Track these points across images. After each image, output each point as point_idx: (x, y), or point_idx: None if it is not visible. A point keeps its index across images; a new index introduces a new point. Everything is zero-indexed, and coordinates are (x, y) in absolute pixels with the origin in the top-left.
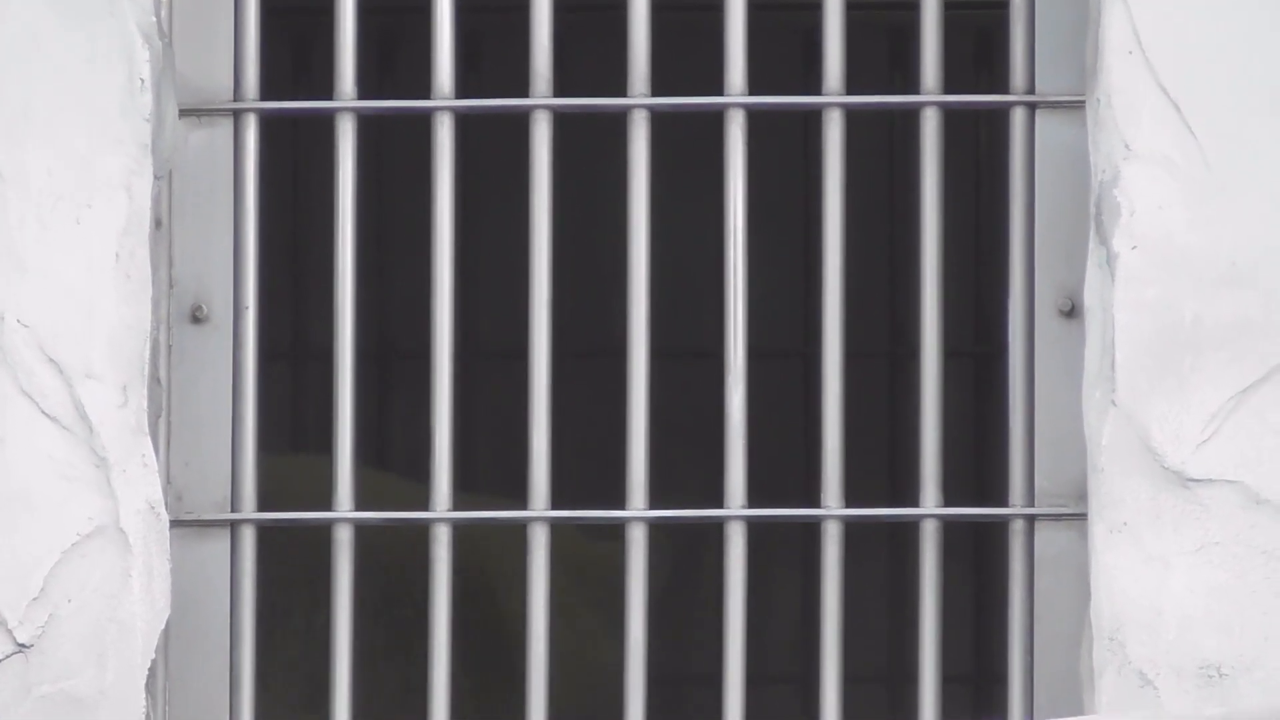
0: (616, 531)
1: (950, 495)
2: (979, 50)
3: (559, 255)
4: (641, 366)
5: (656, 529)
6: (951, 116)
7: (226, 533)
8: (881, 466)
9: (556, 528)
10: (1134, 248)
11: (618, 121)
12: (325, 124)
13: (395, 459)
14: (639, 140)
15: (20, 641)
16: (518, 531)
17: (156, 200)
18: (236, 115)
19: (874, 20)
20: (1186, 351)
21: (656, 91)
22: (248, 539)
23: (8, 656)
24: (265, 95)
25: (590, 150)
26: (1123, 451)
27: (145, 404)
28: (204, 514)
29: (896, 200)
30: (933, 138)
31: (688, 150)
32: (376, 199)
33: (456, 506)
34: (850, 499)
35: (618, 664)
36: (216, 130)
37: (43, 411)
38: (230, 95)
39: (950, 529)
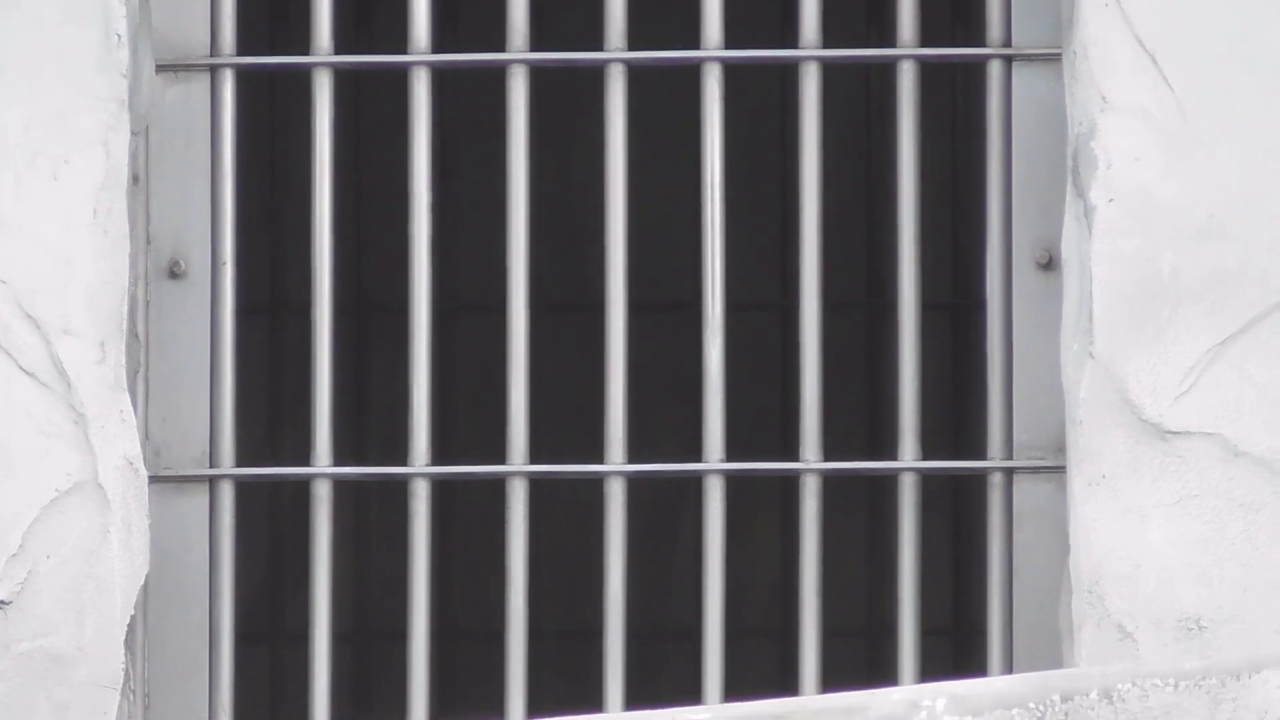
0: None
1: (929, 448)
2: (955, 4)
3: (536, 210)
4: (619, 320)
5: (636, 482)
6: (928, 70)
7: (205, 488)
8: (860, 420)
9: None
10: (1111, 200)
11: (595, 75)
12: (302, 79)
13: (373, 413)
14: (616, 94)
15: None
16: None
17: (134, 156)
18: (213, 70)
19: None
20: (1164, 303)
21: (633, 46)
22: (226, 494)
23: None
24: (242, 50)
25: (567, 104)
26: (1101, 404)
27: (123, 360)
28: (182, 469)
29: (874, 154)
30: (909, 91)
31: (665, 104)
32: (354, 154)
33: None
34: (829, 453)
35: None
36: (193, 86)
37: (20, 367)
38: (207, 50)
39: (929, 482)
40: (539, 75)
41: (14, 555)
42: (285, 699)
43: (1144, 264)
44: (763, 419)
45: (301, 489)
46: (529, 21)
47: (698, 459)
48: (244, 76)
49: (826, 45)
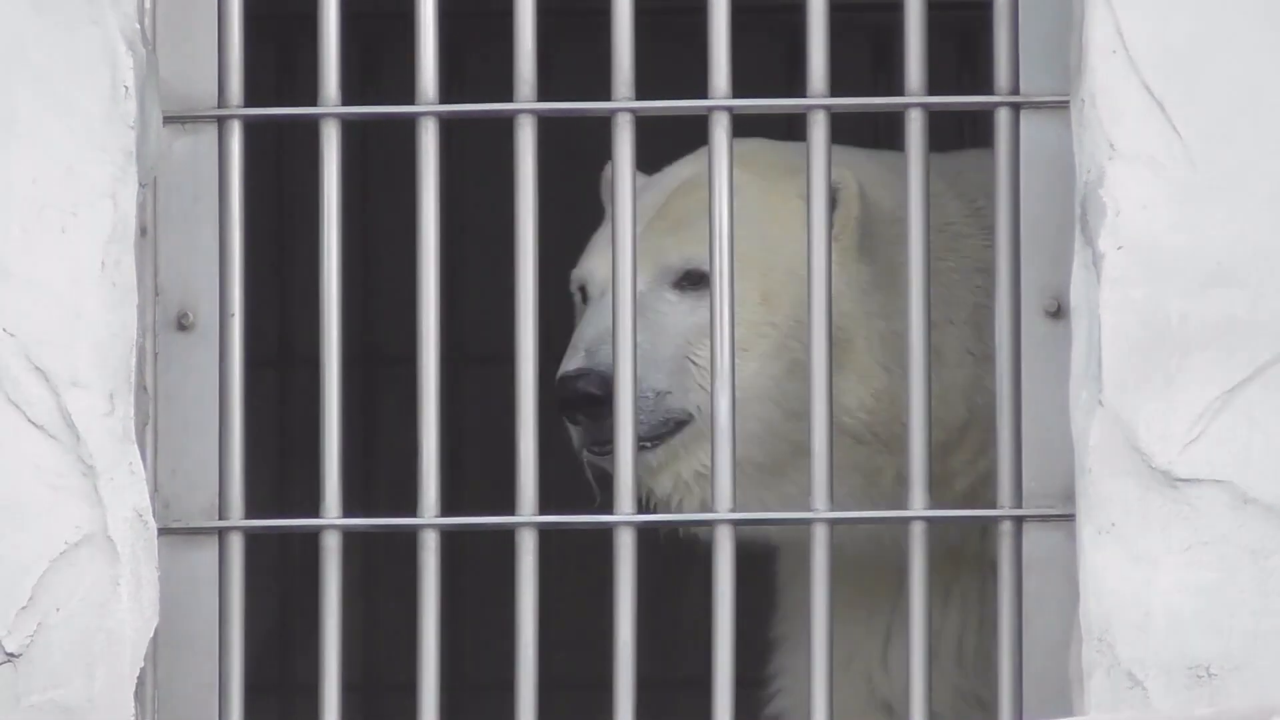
0: None
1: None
2: (963, 51)
3: (545, 260)
4: (627, 371)
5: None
6: (936, 117)
7: (214, 540)
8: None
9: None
10: (1120, 248)
11: (602, 125)
12: (310, 130)
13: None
14: (624, 144)
15: (9, 651)
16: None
17: (141, 208)
18: (221, 122)
19: (858, 21)
20: (1173, 351)
21: (640, 94)
22: (236, 546)
23: None
24: (249, 102)
25: (575, 153)
26: (1110, 452)
27: (132, 412)
28: (192, 521)
29: None
30: (917, 139)
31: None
32: (362, 204)
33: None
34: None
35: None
36: (201, 137)
37: (29, 420)
38: (214, 102)
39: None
40: (546, 125)
41: (23, 608)
42: None
43: (1153, 311)
44: None
45: (311, 540)
46: (536, 71)
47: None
48: (251, 128)
49: (834, 93)
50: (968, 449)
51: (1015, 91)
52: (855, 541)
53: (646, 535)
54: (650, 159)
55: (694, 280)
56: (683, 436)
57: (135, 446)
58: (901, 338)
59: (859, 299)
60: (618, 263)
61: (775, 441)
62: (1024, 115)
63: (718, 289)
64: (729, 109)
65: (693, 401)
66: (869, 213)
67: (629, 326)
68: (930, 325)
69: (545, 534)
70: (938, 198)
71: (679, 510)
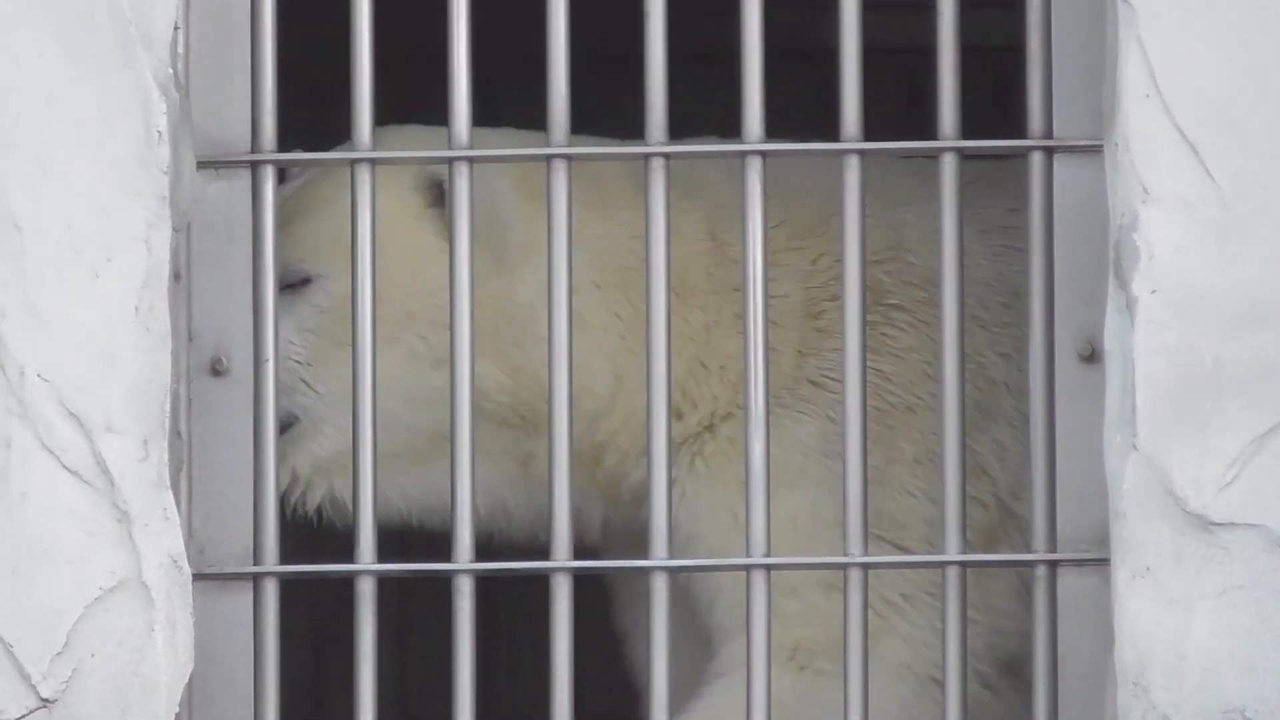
0: None
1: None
2: (997, 94)
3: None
4: (662, 411)
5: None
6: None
7: (249, 585)
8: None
9: None
10: (1153, 291)
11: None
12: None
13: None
14: (658, 187)
15: (44, 696)
16: None
17: (175, 252)
18: (254, 167)
19: (891, 64)
20: (1207, 395)
21: (673, 134)
22: (270, 591)
23: (31, 712)
24: (283, 145)
25: None
26: (1144, 496)
27: (166, 457)
28: (226, 567)
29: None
30: (951, 182)
31: None
32: None
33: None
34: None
35: None
36: (234, 182)
37: (64, 465)
38: (248, 146)
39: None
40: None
41: (58, 653)
42: None
43: (1187, 355)
44: None
45: (345, 585)
46: (569, 114)
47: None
48: (284, 172)
49: (868, 134)
50: (617, 418)
51: (1049, 135)
52: None
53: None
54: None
55: (300, 280)
56: (291, 435)
57: (169, 492)
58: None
59: (478, 284)
60: (652, 299)
61: (401, 431)
62: (1057, 159)
63: (751, 333)
64: (762, 153)
65: (298, 403)
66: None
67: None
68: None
69: (579, 577)
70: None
71: (303, 503)
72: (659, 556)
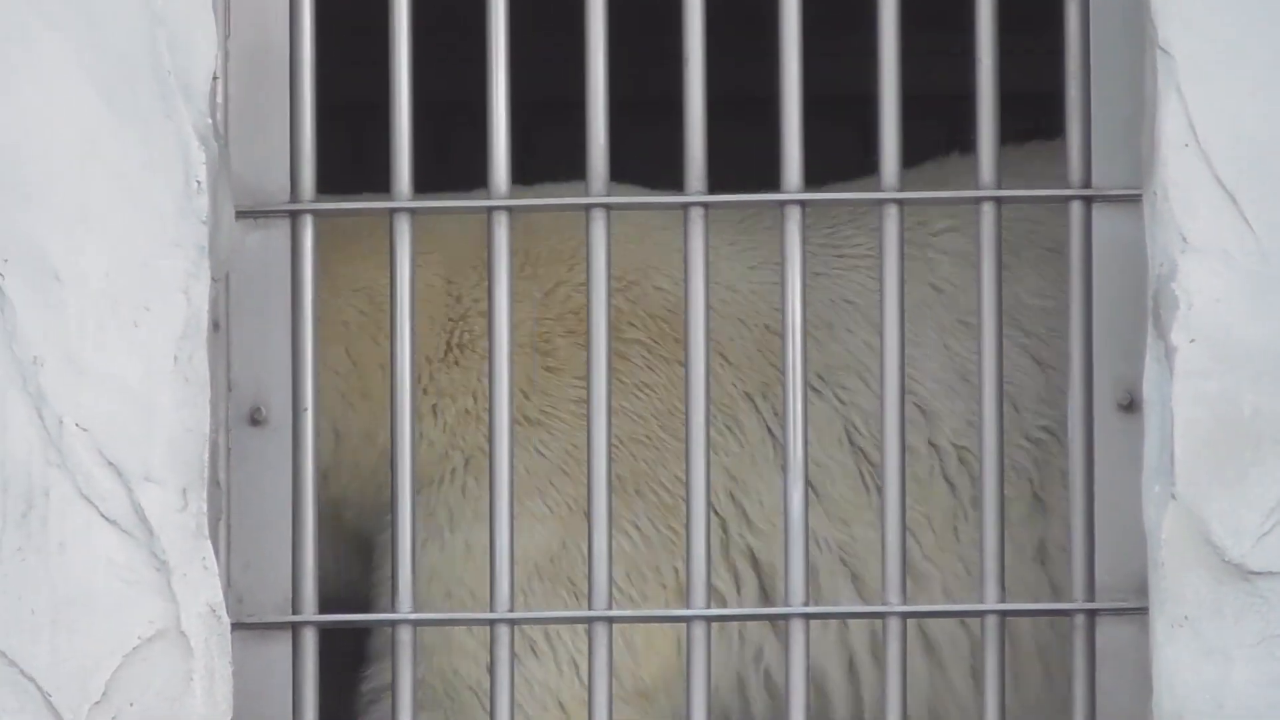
0: None
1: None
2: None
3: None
4: (701, 453)
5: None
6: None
7: (288, 635)
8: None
9: None
10: (1192, 341)
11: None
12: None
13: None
14: (697, 236)
15: None
16: None
17: (214, 302)
18: (293, 216)
19: (931, 110)
20: (1246, 444)
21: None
22: (309, 641)
23: None
24: (321, 191)
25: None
26: (1183, 545)
27: (205, 506)
28: (265, 616)
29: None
30: (990, 231)
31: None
32: None
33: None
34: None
35: None
36: (273, 231)
37: (102, 515)
38: (287, 196)
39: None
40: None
41: (97, 703)
42: None
43: (1225, 405)
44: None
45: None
46: (608, 163)
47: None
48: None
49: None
50: (345, 472)
51: (1087, 184)
52: None
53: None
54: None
55: None
56: None
57: (208, 541)
58: None
59: None
60: (690, 348)
61: None
62: (1096, 208)
63: (791, 380)
64: (801, 202)
65: None
66: None
67: None
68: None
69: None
70: None
71: None
72: (698, 606)
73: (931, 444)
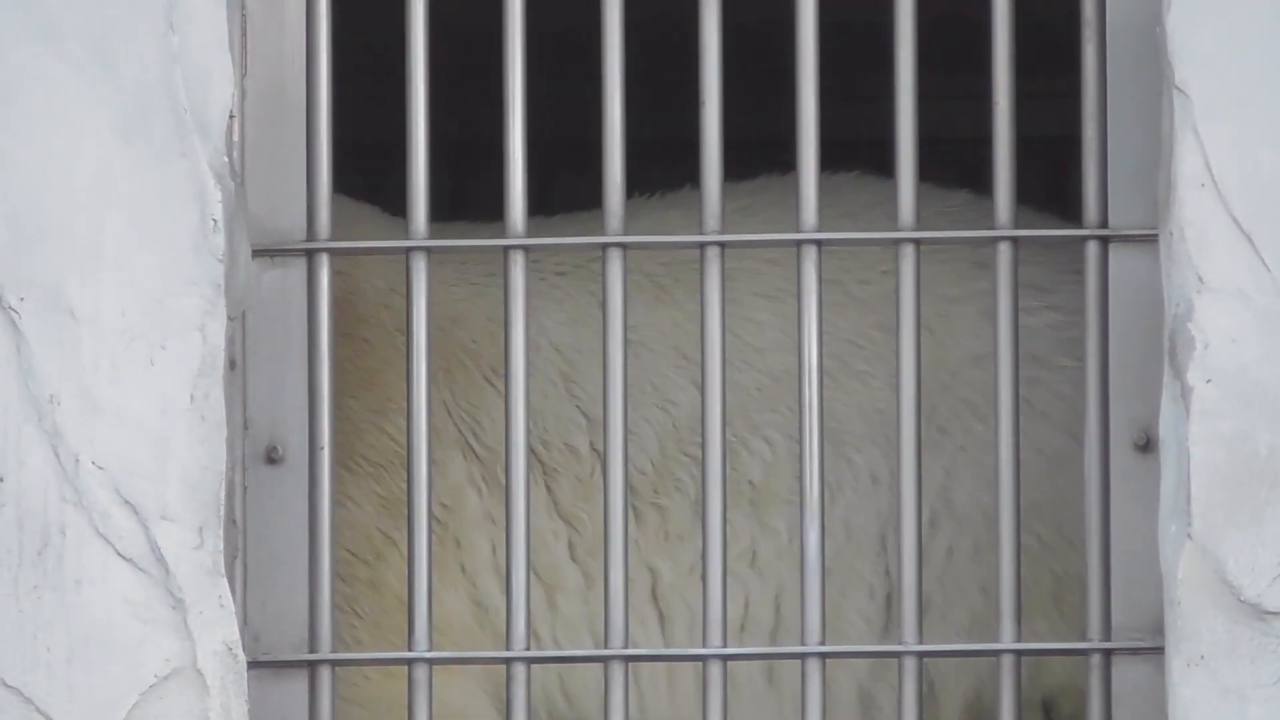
0: None
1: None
2: (1052, 184)
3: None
4: (717, 505)
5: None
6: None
7: (304, 673)
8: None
9: None
10: (1208, 381)
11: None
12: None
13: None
14: (713, 276)
15: None
16: None
17: (230, 341)
18: (310, 255)
19: (948, 154)
20: (1262, 484)
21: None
22: (325, 679)
23: None
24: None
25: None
26: (1199, 585)
27: (221, 545)
28: (281, 654)
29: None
30: (1006, 270)
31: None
32: None
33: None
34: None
35: None
36: (290, 270)
37: (118, 553)
38: (303, 235)
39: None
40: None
41: None
42: None
43: (1242, 445)
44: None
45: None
46: (623, 203)
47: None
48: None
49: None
50: None
51: (1104, 224)
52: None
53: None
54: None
55: None
56: None
57: (225, 580)
58: None
59: None
60: (707, 383)
61: None
62: (1112, 248)
63: (807, 420)
64: (818, 241)
65: None
66: None
67: None
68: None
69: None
70: None
71: None
72: (714, 645)
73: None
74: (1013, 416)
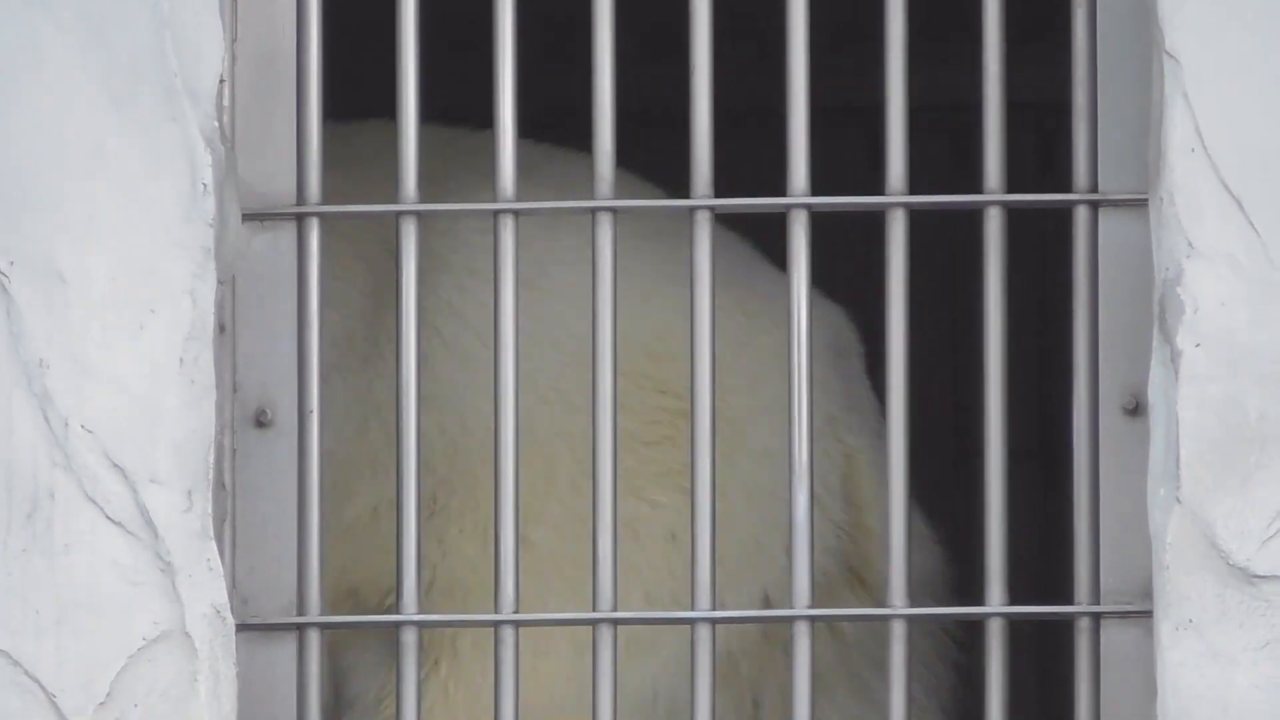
0: None
1: (1015, 593)
2: (1042, 149)
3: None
4: (706, 466)
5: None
6: (1015, 215)
7: (293, 636)
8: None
9: None
10: (1198, 345)
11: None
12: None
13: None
14: (703, 241)
15: None
16: None
17: (220, 305)
18: (299, 219)
19: (938, 122)
20: (1251, 448)
21: (719, 192)
22: (314, 642)
23: None
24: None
25: None
26: (1187, 549)
27: (210, 508)
28: (270, 617)
29: (959, 299)
30: (996, 237)
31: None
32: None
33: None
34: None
35: None
36: (279, 234)
37: (107, 517)
38: (293, 199)
39: (1016, 626)
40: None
41: (101, 704)
42: None
43: (1231, 409)
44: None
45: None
46: (613, 168)
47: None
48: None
49: (913, 191)
50: None
51: (1094, 189)
52: None
53: None
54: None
55: None
56: None
57: (213, 543)
58: None
59: None
60: (695, 352)
61: None
62: (1102, 213)
63: (796, 385)
64: (808, 206)
65: None
66: None
67: None
68: (1007, 421)
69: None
70: None
71: None
72: (703, 608)
73: None
74: (1001, 384)
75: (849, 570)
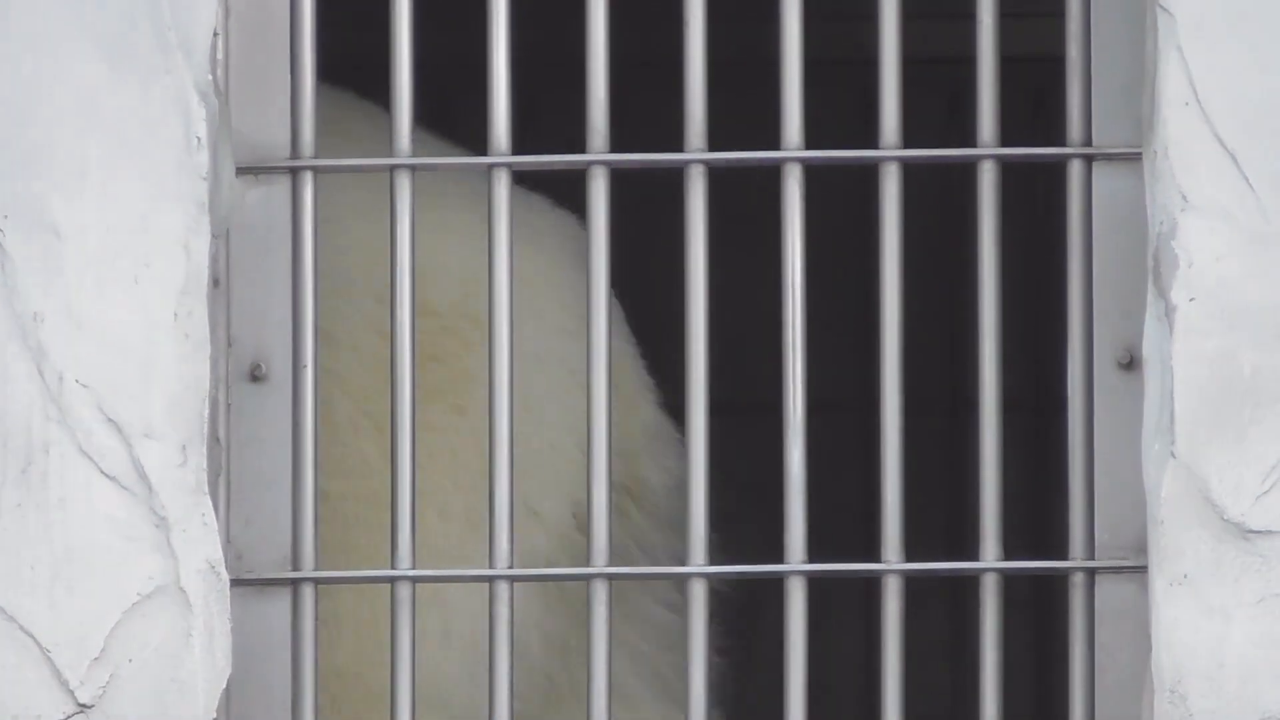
0: None
1: (1010, 548)
2: (1036, 103)
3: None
4: (700, 421)
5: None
6: (1009, 169)
7: (288, 591)
8: (941, 520)
9: None
10: (1192, 299)
11: (675, 176)
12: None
13: None
14: (697, 195)
15: (81, 702)
16: None
17: (214, 259)
18: (294, 173)
19: (931, 75)
20: (1246, 403)
21: (713, 146)
22: (308, 597)
23: (69, 717)
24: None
25: (648, 206)
26: (1182, 504)
27: (205, 463)
28: (264, 573)
29: (954, 253)
30: (990, 191)
31: (745, 204)
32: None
33: None
34: (910, 553)
35: None
36: (274, 188)
37: (102, 471)
38: (287, 153)
39: (1011, 581)
40: (619, 176)
41: (96, 659)
42: None
43: (1225, 363)
44: (844, 520)
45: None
46: (609, 122)
47: (778, 561)
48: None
49: (907, 145)
50: None
51: (1088, 143)
52: None
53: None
54: (723, 212)
55: None
56: None
57: (208, 498)
58: None
59: None
60: (690, 309)
61: None
62: (1096, 167)
63: (789, 339)
64: (801, 160)
65: None
66: None
67: None
68: (1001, 375)
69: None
70: None
71: None
72: (698, 563)
73: None
74: (996, 338)
75: (622, 489)
